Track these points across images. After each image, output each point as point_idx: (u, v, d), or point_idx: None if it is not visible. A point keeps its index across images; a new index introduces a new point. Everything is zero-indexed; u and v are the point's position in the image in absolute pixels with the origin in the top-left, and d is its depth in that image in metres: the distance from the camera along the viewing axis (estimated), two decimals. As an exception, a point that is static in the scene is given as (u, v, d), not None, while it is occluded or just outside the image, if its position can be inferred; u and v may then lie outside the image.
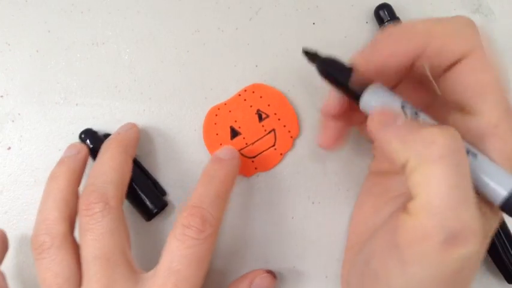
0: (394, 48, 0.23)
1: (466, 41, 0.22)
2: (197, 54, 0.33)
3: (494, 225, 0.22)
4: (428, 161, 0.19)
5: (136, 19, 0.33)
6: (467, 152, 0.21)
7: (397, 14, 0.33)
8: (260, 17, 0.33)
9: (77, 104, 0.33)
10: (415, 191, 0.20)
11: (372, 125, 0.22)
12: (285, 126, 0.32)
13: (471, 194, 0.19)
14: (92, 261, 0.26)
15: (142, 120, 0.32)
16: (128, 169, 0.29)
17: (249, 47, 0.33)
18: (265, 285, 0.29)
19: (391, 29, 0.23)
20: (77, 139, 0.32)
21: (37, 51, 0.33)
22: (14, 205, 0.32)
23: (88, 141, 0.31)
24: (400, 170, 0.21)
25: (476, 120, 0.22)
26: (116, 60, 0.33)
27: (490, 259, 0.32)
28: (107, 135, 0.32)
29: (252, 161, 0.32)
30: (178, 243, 0.25)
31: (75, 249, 0.27)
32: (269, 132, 0.32)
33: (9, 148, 0.32)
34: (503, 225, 0.32)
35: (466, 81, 0.22)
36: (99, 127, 0.32)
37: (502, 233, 0.31)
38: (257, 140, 0.32)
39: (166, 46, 0.33)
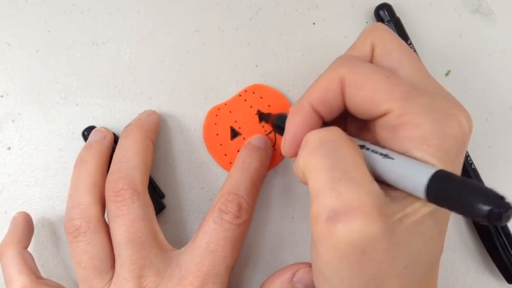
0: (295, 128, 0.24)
1: (337, 74, 0.23)
2: (197, 54, 0.33)
3: (412, 212, 0.21)
4: (306, 157, 0.22)
5: (136, 19, 0.33)
6: (386, 156, 0.21)
7: (397, 14, 0.33)
8: (260, 17, 0.33)
9: (77, 104, 0.33)
10: (308, 185, 0.21)
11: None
12: (285, 126, 0.32)
13: (353, 175, 0.20)
14: (126, 245, 0.27)
15: (142, 120, 0.32)
16: (150, 154, 0.30)
17: (249, 47, 0.33)
18: (308, 278, 0.29)
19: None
20: (77, 139, 0.32)
21: (37, 51, 0.33)
22: (14, 205, 0.32)
23: None
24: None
25: (384, 120, 0.22)
26: (116, 60, 0.33)
27: (490, 259, 0.32)
28: None
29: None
30: (216, 226, 0.27)
31: (108, 231, 0.28)
32: (269, 133, 0.32)
33: (9, 148, 0.32)
34: (503, 226, 0.32)
35: (358, 101, 0.23)
36: (99, 127, 0.32)
37: (502, 233, 0.31)
38: (257, 141, 0.32)
39: (166, 46, 0.33)
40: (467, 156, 0.32)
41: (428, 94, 0.22)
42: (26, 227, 0.30)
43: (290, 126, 0.24)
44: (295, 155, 0.24)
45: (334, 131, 0.22)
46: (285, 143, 0.24)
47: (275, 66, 0.33)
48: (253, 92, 0.32)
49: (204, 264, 0.27)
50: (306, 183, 0.22)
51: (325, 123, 0.24)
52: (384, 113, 0.22)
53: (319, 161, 0.21)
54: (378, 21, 0.33)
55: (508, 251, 0.31)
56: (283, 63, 0.33)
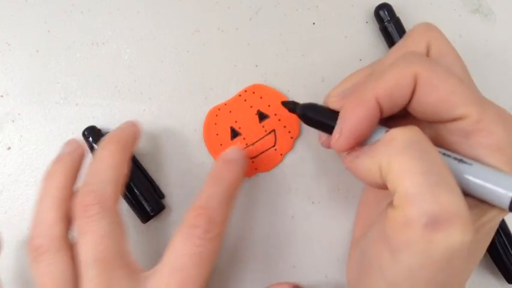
0: (356, 117, 0.23)
1: (411, 70, 0.22)
2: (197, 54, 0.33)
3: (488, 221, 0.21)
4: (394, 156, 0.20)
5: (136, 19, 0.33)
6: (461, 161, 0.21)
7: (397, 14, 0.33)
8: (260, 17, 0.33)
9: (77, 104, 0.33)
10: (393, 187, 0.20)
11: (345, 165, 0.24)
12: (285, 126, 0.32)
13: (448, 180, 0.19)
14: (91, 264, 0.25)
15: (142, 120, 0.32)
16: (125, 168, 0.28)
17: (249, 47, 0.33)
18: None
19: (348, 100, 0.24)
20: (77, 139, 0.32)
21: (37, 51, 0.33)
22: (14, 205, 0.32)
23: (91, 138, 0.31)
24: (383, 183, 0.21)
25: (458, 124, 0.21)
26: (116, 60, 0.33)
27: (490, 259, 0.32)
28: None
29: (252, 162, 0.32)
30: (184, 242, 0.25)
31: (72, 251, 0.26)
32: (269, 133, 0.32)
33: (9, 148, 0.32)
34: (503, 225, 0.32)
35: (430, 101, 0.22)
36: (100, 127, 0.32)
37: (502, 233, 0.31)
38: (257, 141, 0.32)
39: (166, 46, 0.33)
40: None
41: (494, 103, 0.22)
42: None
43: (350, 118, 0.23)
44: (349, 149, 0.23)
45: (419, 131, 0.21)
46: (342, 136, 0.23)
47: (275, 66, 0.33)
48: (253, 92, 0.32)
49: (171, 285, 0.25)
50: (379, 185, 0.21)
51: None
52: (459, 117, 0.21)
53: (413, 163, 0.19)
54: (377, 21, 0.33)
55: (508, 251, 0.31)
56: (283, 63, 0.33)
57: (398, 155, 0.20)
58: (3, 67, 0.33)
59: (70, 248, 0.26)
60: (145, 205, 0.30)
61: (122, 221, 0.27)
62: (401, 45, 0.25)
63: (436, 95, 0.21)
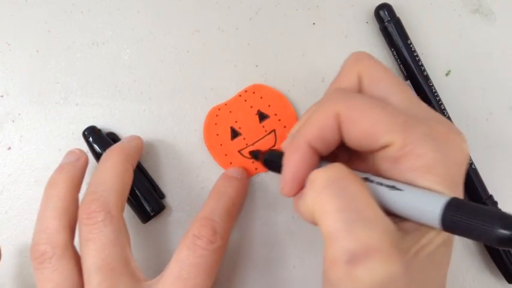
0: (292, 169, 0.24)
1: (332, 110, 0.23)
2: (197, 54, 0.33)
3: (427, 243, 0.20)
4: (315, 197, 0.21)
5: (136, 19, 0.33)
6: (393, 187, 0.21)
7: (397, 14, 0.33)
8: (260, 17, 0.33)
9: (77, 104, 0.33)
10: (320, 227, 0.21)
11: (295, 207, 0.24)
12: (285, 126, 0.32)
13: (367, 214, 0.20)
14: (95, 272, 0.25)
15: (142, 120, 0.32)
16: (129, 178, 0.29)
17: (249, 47, 0.33)
18: None
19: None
20: (77, 139, 0.32)
21: (37, 51, 0.33)
22: (14, 205, 0.32)
23: (91, 138, 0.31)
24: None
25: (386, 152, 0.22)
26: (116, 60, 0.33)
27: (490, 259, 0.32)
28: (110, 134, 0.32)
29: (252, 162, 0.32)
30: (189, 252, 0.26)
31: (76, 258, 0.27)
32: (269, 133, 0.32)
33: (9, 148, 0.32)
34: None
35: (355, 135, 0.22)
36: (99, 127, 0.32)
37: (501, 233, 0.31)
38: (257, 141, 0.32)
39: (166, 46, 0.33)
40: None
41: (424, 121, 0.22)
42: None
43: (288, 166, 0.24)
44: (296, 194, 0.24)
45: (339, 168, 0.22)
46: (285, 183, 0.24)
47: (275, 66, 0.33)
48: (253, 92, 0.32)
49: None
50: (314, 224, 0.22)
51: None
52: (385, 145, 0.21)
53: (330, 203, 0.20)
54: (377, 21, 0.33)
55: (508, 251, 0.31)
56: (283, 63, 0.33)
57: (318, 196, 0.21)
58: (3, 67, 0.33)
59: (74, 256, 0.27)
60: (146, 205, 0.30)
61: (126, 229, 0.27)
62: (335, 80, 0.26)
63: (358, 129, 0.22)
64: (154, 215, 0.31)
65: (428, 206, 0.19)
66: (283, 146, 0.25)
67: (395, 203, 0.21)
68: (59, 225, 0.27)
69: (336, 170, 0.22)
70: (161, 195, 0.32)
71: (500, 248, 0.31)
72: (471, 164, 0.32)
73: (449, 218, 0.19)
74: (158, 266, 0.32)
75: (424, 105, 0.24)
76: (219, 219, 0.27)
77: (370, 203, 0.20)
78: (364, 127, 0.22)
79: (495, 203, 0.32)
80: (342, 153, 0.26)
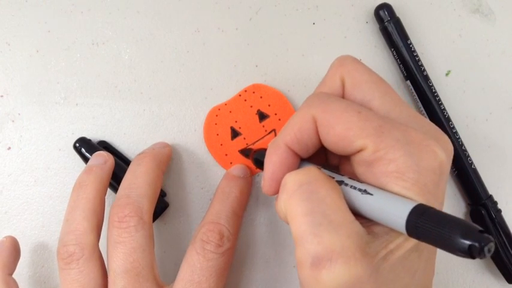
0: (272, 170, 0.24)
1: (309, 114, 0.23)
2: (197, 54, 0.33)
3: (396, 247, 0.21)
4: (286, 200, 0.22)
5: (136, 19, 0.33)
6: (365, 191, 0.21)
7: (397, 14, 0.33)
8: (260, 17, 0.33)
9: (77, 104, 0.33)
10: (290, 228, 0.21)
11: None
12: (285, 126, 0.32)
13: (333, 218, 0.20)
14: (122, 274, 0.26)
15: (142, 120, 0.32)
16: (159, 185, 0.29)
17: (249, 47, 0.33)
18: None
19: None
20: (77, 138, 0.32)
21: (37, 51, 0.33)
22: (14, 205, 0.32)
23: (83, 149, 0.31)
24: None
25: (360, 156, 0.22)
26: (116, 60, 0.33)
27: (490, 259, 0.32)
28: (101, 143, 0.32)
29: (249, 159, 0.32)
30: (198, 257, 0.27)
31: (101, 260, 0.27)
32: (269, 133, 0.32)
33: (9, 148, 0.32)
34: (503, 225, 0.32)
35: (330, 139, 0.22)
36: (99, 127, 0.32)
37: (502, 233, 0.31)
38: (257, 141, 0.32)
39: (166, 46, 0.33)
40: (467, 156, 0.32)
41: (401, 127, 0.22)
42: (12, 252, 0.29)
43: (268, 166, 0.24)
44: (276, 193, 0.24)
45: (311, 172, 0.22)
46: (265, 182, 0.24)
47: (275, 66, 0.33)
48: (253, 92, 0.32)
49: None
50: (288, 224, 0.22)
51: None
52: (359, 149, 0.22)
53: (299, 205, 0.21)
54: (377, 21, 0.33)
55: (508, 251, 0.31)
56: (283, 63, 0.33)
57: (289, 198, 0.22)
58: (3, 67, 0.33)
59: (99, 258, 0.27)
60: None
61: (153, 236, 0.28)
62: (319, 84, 0.26)
63: (333, 132, 0.22)
64: (160, 214, 0.31)
65: (395, 211, 0.20)
66: (268, 146, 0.25)
67: (366, 206, 0.21)
68: (88, 226, 0.27)
69: (306, 174, 0.22)
70: (163, 194, 0.32)
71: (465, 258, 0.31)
72: (471, 163, 0.32)
73: (412, 224, 0.19)
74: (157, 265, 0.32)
75: (406, 107, 0.24)
76: (226, 222, 0.28)
77: (339, 207, 0.21)
78: (338, 131, 0.22)
79: (495, 203, 0.32)
80: (333, 155, 0.26)
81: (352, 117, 0.22)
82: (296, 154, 0.24)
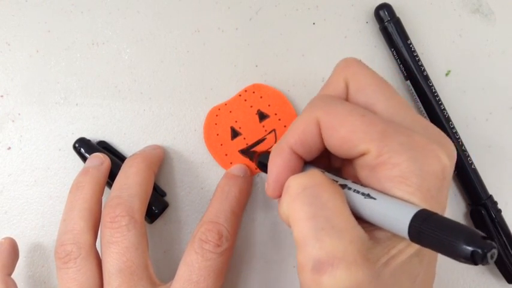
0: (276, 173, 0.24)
1: (313, 116, 0.23)
2: (197, 54, 0.33)
3: (398, 253, 0.21)
4: (289, 204, 0.22)
5: (136, 19, 0.33)
6: (368, 196, 0.21)
7: (397, 14, 0.33)
8: (260, 17, 0.33)
9: (77, 104, 0.33)
10: (292, 231, 0.21)
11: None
12: (285, 126, 0.32)
13: (336, 222, 0.20)
14: (116, 274, 0.26)
15: (142, 120, 0.32)
16: (150, 185, 0.29)
17: (249, 47, 0.33)
18: None
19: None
20: (77, 139, 0.32)
21: (37, 51, 0.33)
22: (14, 205, 0.32)
23: (82, 150, 0.31)
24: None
25: (363, 160, 0.22)
26: (116, 60, 0.33)
27: (490, 259, 0.32)
28: (101, 143, 0.32)
29: (253, 162, 0.32)
30: (197, 256, 0.27)
31: (98, 259, 0.28)
32: (269, 133, 0.32)
33: (9, 148, 0.32)
34: (503, 225, 0.32)
35: (334, 142, 0.22)
36: (99, 127, 0.32)
37: (502, 233, 0.31)
38: (258, 140, 0.32)
39: (166, 46, 0.33)
40: (467, 156, 0.32)
41: (405, 131, 0.21)
42: (11, 253, 0.29)
43: (272, 168, 0.24)
44: (280, 196, 0.24)
45: (315, 176, 0.22)
46: (269, 185, 0.24)
47: (275, 66, 0.33)
48: (253, 92, 0.32)
49: None
50: (290, 227, 0.22)
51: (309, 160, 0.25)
52: (362, 153, 0.22)
53: (301, 209, 0.21)
54: (377, 21, 0.33)
55: (508, 251, 0.31)
56: (283, 63, 0.33)
57: (291, 202, 0.21)
58: (3, 67, 0.33)
59: (96, 257, 0.28)
60: (151, 205, 0.30)
61: (147, 235, 0.28)
62: (323, 87, 0.26)
63: (337, 136, 0.22)
64: (160, 214, 0.31)
65: (398, 216, 0.19)
66: (272, 149, 0.25)
67: (368, 211, 0.21)
68: (85, 226, 0.27)
69: (310, 177, 0.22)
70: (162, 193, 0.32)
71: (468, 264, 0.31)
72: (471, 163, 0.32)
73: (415, 229, 0.19)
74: (157, 265, 0.32)
75: (411, 111, 0.24)
76: (225, 222, 0.28)
77: (342, 212, 0.20)
78: (341, 134, 0.22)
79: (495, 203, 0.32)
80: (336, 158, 0.26)
81: (356, 121, 0.22)
82: (300, 157, 0.24)
